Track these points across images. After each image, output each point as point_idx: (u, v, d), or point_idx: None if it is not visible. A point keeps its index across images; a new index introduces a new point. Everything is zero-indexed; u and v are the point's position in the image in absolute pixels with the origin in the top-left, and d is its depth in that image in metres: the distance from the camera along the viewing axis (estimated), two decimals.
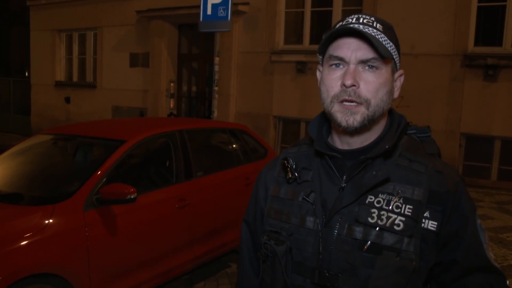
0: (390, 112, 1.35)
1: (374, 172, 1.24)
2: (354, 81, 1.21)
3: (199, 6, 7.56)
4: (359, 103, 1.23)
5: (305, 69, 9.89)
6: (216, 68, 7.77)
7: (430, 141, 1.33)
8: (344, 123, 1.24)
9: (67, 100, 14.09)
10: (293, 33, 10.46)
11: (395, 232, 1.19)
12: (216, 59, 7.73)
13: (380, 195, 1.22)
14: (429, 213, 1.21)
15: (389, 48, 1.23)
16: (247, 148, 5.69)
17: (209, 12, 7.19)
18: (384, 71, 1.24)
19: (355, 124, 1.23)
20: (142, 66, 12.39)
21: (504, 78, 8.09)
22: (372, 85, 1.23)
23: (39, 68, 14.90)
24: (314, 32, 10.04)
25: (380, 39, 1.22)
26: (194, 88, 12.46)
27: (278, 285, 1.33)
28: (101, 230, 3.64)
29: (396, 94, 1.32)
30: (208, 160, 5.30)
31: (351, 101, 1.23)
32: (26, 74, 20.57)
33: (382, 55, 1.20)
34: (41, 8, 14.61)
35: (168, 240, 4.24)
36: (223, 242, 4.92)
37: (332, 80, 1.25)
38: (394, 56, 1.26)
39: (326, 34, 1.26)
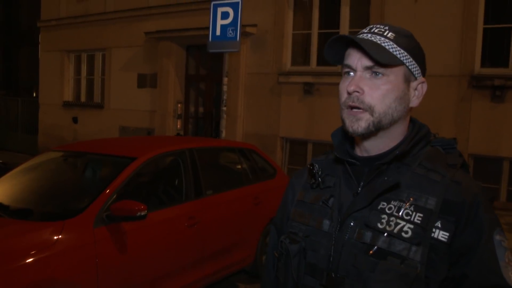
0: (413, 121, 1.37)
1: (386, 178, 1.26)
2: (357, 87, 1.25)
3: (207, 28, 7.65)
4: (364, 110, 1.26)
5: (312, 90, 9.92)
6: (225, 88, 7.82)
7: (454, 153, 1.31)
8: (350, 129, 1.28)
9: (75, 120, 14.17)
10: (301, 54, 10.53)
11: (403, 239, 1.18)
12: (225, 80, 7.78)
13: (392, 201, 1.23)
14: (441, 223, 1.19)
15: (398, 54, 1.25)
16: (256, 167, 5.69)
17: (218, 32, 7.26)
18: (393, 77, 1.25)
19: (360, 130, 1.26)
20: (150, 86, 12.48)
21: (511, 99, 8.09)
22: (377, 92, 1.25)
23: (47, 88, 15.03)
24: (321, 54, 10.09)
25: (387, 46, 1.25)
26: (201, 109, 12.51)
27: (289, 285, 1.36)
28: (111, 247, 3.63)
29: (415, 103, 1.32)
30: (217, 178, 5.30)
31: (356, 107, 1.26)
32: (34, 94, 20.73)
33: (379, 62, 1.22)
34: (51, 29, 14.81)
35: (177, 259, 4.22)
36: (231, 261, 4.89)
37: (342, 88, 1.30)
38: (406, 63, 1.27)
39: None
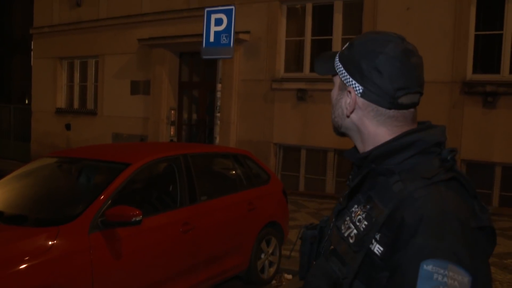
0: (423, 125, 1.33)
1: (354, 180, 1.30)
2: (332, 93, 1.41)
3: (200, 35, 7.67)
4: None
5: (305, 96, 9.97)
6: (219, 94, 7.84)
7: (445, 165, 1.20)
8: None
9: (68, 127, 14.13)
10: (294, 61, 10.58)
11: (348, 243, 1.21)
12: (219, 86, 7.80)
13: (359, 205, 1.24)
14: (380, 237, 1.14)
15: (336, 65, 1.34)
16: (250, 173, 5.70)
17: (211, 39, 7.29)
18: (335, 86, 1.37)
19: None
20: (143, 93, 12.48)
21: (503, 105, 8.16)
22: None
23: (40, 95, 14.99)
24: (314, 60, 10.14)
25: (335, 59, 1.35)
26: (194, 116, 12.52)
27: (301, 265, 1.53)
28: (106, 253, 3.61)
29: (346, 110, 1.31)
30: (212, 184, 5.30)
31: None
32: (27, 101, 20.67)
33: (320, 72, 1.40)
34: (43, 36, 14.79)
35: (172, 264, 4.21)
36: (226, 267, 4.89)
37: None
38: (338, 72, 1.33)
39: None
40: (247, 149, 8.53)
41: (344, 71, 1.30)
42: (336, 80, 1.36)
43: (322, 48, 10.13)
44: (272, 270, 5.61)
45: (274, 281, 5.59)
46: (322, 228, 1.48)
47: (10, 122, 17.06)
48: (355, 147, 1.39)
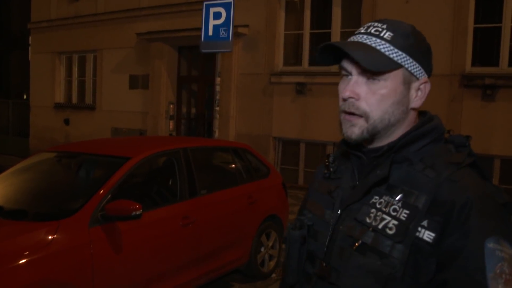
0: (424, 115, 1.33)
1: (378, 171, 1.23)
2: (352, 93, 1.22)
3: (199, 29, 7.65)
4: (359, 116, 1.23)
5: (304, 90, 9.95)
6: (218, 88, 7.82)
7: (463, 152, 1.23)
8: (345, 135, 1.27)
9: (66, 122, 14.11)
10: (292, 54, 10.56)
11: (387, 235, 1.15)
12: (218, 79, 7.78)
13: (384, 196, 1.20)
14: (427, 223, 1.12)
15: (395, 57, 1.20)
16: (250, 167, 5.70)
17: (210, 33, 7.27)
18: (390, 82, 1.21)
19: (353, 136, 1.24)
20: (142, 88, 12.45)
21: (502, 97, 8.16)
22: (373, 97, 1.21)
23: (38, 90, 14.95)
24: (313, 54, 10.13)
25: (383, 49, 1.20)
26: (193, 110, 12.50)
27: (289, 270, 1.38)
28: (106, 247, 3.62)
29: (417, 104, 1.27)
30: (211, 178, 5.30)
31: (350, 113, 1.23)
32: (25, 97, 20.63)
33: (367, 69, 1.18)
34: (41, 30, 14.74)
35: (172, 258, 4.22)
36: (226, 261, 4.89)
37: (340, 90, 1.27)
38: (405, 65, 1.21)
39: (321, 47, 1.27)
40: (246, 143, 8.53)
41: (413, 61, 1.22)
42: (394, 74, 1.21)
43: (321, 41, 10.09)
44: (272, 263, 5.62)
45: (274, 275, 5.60)
46: (311, 226, 1.36)
47: (8, 117, 17.03)
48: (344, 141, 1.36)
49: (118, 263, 3.71)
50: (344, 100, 1.23)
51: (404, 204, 1.16)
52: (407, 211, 1.15)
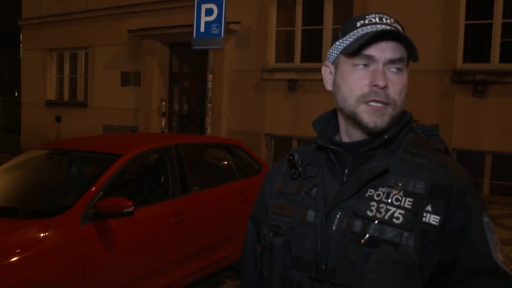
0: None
1: (373, 164, 1.23)
2: (388, 82, 1.23)
3: (191, 25, 7.62)
4: (387, 104, 1.24)
5: (296, 86, 9.95)
6: (210, 85, 7.81)
7: (437, 139, 1.30)
8: (371, 124, 1.24)
9: (58, 119, 14.03)
10: (284, 51, 10.55)
11: (394, 225, 1.16)
12: (210, 76, 7.77)
13: (380, 188, 1.21)
14: (431, 207, 1.17)
15: (415, 50, 1.24)
16: (242, 163, 5.70)
17: (202, 29, 7.25)
18: (405, 72, 1.26)
19: (383, 125, 1.24)
20: (134, 85, 12.40)
21: (493, 93, 8.20)
22: (398, 87, 1.24)
23: (29, 87, 14.85)
24: (305, 50, 10.14)
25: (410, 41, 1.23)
26: (185, 107, 12.47)
27: (274, 279, 1.32)
28: (98, 244, 3.61)
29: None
30: (203, 175, 5.29)
31: (381, 102, 1.23)
32: (16, 94, 20.47)
33: (412, 57, 1.24)
34: (32, 27, 14.63)
35: (164, 255, 4.21)
36: (218, 258, 4.89)
37: (358, 79, 1.25)
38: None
39: (357, 34, 1.25)
40: (238, 139, 8.53)
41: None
42: (406, 65, 1.27)
43: (312, 38, 10.10)
44: None
45: None
46: (291, 230, 1.31)
47: None
48: (327, 135, 1.37)
49: (110, 260, 3.70)
50: (378, 88, 1.22)
51: (406, 192, 1.18)
52: (411, 199, 1.17)
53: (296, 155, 1.39)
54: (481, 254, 1.18)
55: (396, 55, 1.23)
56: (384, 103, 1.24)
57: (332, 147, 1.32)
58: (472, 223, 1.19)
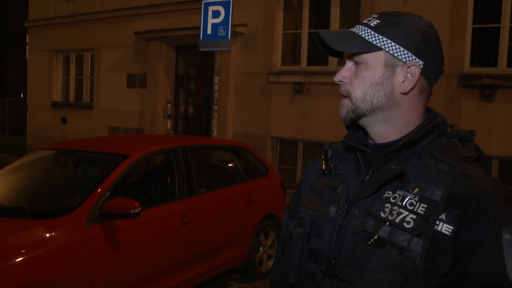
0: (429, 110, 1.34)
1: (392, 166, 1.23)
2: (340, 77, 1.29)
3: (197, 28, 7.63)
4: (347, 97, 1.29)
5: (302, 89, 9.93)
6: (216, 87, 7.80)
7: (470, 146, 1.26)
8: (339, 117, 1.33)
9: (63, 120, 14.06)
10: (291, 54, 10.54)
11: (404, 229, 1.15)
12: (216, 78, 7.76)
13: (398, 191, 1.20)
14: (445, 216, 1.14)
15: (374, 41, 1.23)
16: (248, 166, 5.68)
17: (209, 31, 7.25)
18: (371, 64, 1.25)
19: (342, 116, 1.31)
20: (139, 87, 12.41)
21: (500, 98, 8.16)
22: (356, 79, 1.27)
23: (35, 89, 14.90)
24: (311, 54, 10.12)
25: (363, 35, 1.25)
26: (191, 109, 12.47)
27: (290, 268, 1.36)
28: (104, 245, 3.60)
29: (405, 88, 1.25)
30: (210, 176, 5.28)
31: (343, 96, 1.30)
32: (22, 95, 20.55)
33: (337, 50, 1.26)
34: (39, 29, 14.68)
35: (170, 257, 4.20)
36: (224, 260, 4.88)
37: None
38: (386, 48, 1.22)
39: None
40: (244, 142, 8.52)
41: (395, 44, 1.23)
42: (373, 57, 1.24)
43: None
44: (270, 263, 5.60)
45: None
46: (313, 223, 1.35)
47: (5, 115, 16.95)
48: (357, 135, 1.37)
49: (116, 261, 3.69)
50: (338, 82, 1.30)
51: (421, 198, 1.17)
52: (425, 205, 1.15)
53: (330, 152, 1.42)
54: (494, 270, 1.13)
55: (350, 53, 1.28)
56: (344, 96, 1.31)
57: (359, 147, 1.33)
58: (488, 238, 1.14)
